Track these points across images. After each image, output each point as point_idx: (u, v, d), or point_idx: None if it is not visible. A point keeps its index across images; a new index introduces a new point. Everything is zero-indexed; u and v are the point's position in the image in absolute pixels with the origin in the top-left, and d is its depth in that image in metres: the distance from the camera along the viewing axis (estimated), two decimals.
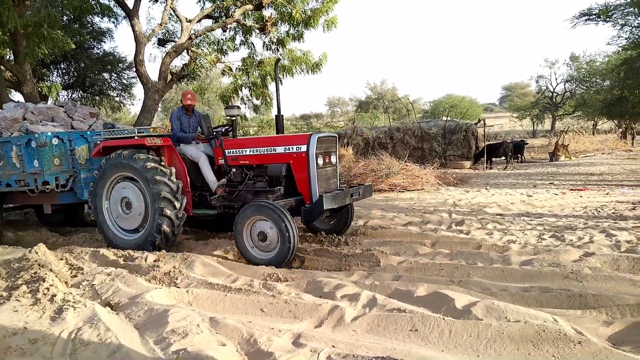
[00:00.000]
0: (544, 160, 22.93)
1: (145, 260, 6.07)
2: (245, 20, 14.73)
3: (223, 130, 7.22)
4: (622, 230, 6.69)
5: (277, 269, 5.56)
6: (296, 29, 14.72)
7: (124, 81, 19.94)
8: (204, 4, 15.36)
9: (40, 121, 8.61)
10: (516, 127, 45.38)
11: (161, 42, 15.70)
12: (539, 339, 3.29)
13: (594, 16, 15.34)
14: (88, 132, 8.28)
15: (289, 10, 14.04)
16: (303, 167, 6.29)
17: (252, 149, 6.73)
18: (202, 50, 15.60)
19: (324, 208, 5.96)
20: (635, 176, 14.84)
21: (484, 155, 19.73)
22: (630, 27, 15.45)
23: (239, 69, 15.65)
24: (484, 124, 20.47)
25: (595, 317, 3.78)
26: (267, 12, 14.87)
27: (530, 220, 7.92)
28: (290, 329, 3.74)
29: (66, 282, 5.33)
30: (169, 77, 14.25)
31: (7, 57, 13.08)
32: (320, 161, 6.34)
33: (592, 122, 35.35)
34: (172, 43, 15.19)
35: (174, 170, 6.85)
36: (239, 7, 14.16)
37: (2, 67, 12.64)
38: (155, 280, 5.33)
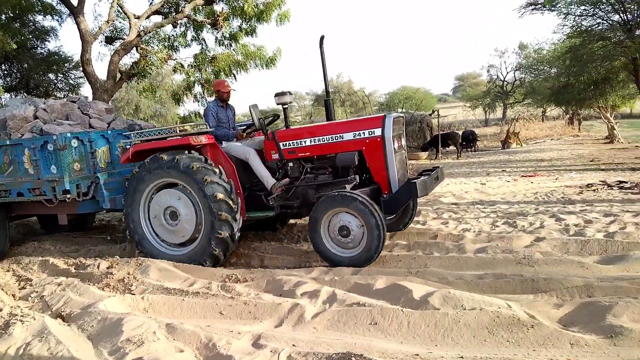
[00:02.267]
0: (496, 148, 23.63)
1: (98, 267, 5.86)
2: (196, 16, 14.41)
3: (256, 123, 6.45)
4: (570, 214, 6.94)
5: (235, 270, 5.49)
6: (249, 23, 14.52)
7: (71, 82, 19.16)
8: (152, 0, 14.95)
9: (54, 120, 7.59)
10: (469, 117, 46.55)
11: (109, 40, 15.17)
12: (494, 325, 3.38)
13: (539, 5, 15.85)
14: (109, 132, 7.35)
15: (241, 4, 13.83)
16: (379, 153, 5.66)
17: (313, 139, 5.97)
18: (152, 47, 15.16)
19: (419, 195, 5.40)
20: (582, 161, 15.49)
21: (432, 145, 20.15)
22: (574, 16, 16.05)
23: (191, 65, 15.32)
24: (438, 114, 20.89)
25: (547, 300, 3.90)
26: (219, 7, 14.58)
27: (484, 208, 8.12)
28: (250, 331, 3.70)
29: (13, 295, 5.10)
30: (118, 76, 13.79)
31: None
32: (396, 145, 5.74)
33: (542, 109, 36.60)
34: (120, 41, 14.70)
35: (222, 170, 6.00)
36: (189, 2, 13.84)
37: None
38: (108, 288, 5.17)
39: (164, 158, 5.95)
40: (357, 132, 5.76)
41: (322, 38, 6.20)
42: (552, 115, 38.85)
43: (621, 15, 14.87)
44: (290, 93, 6.22)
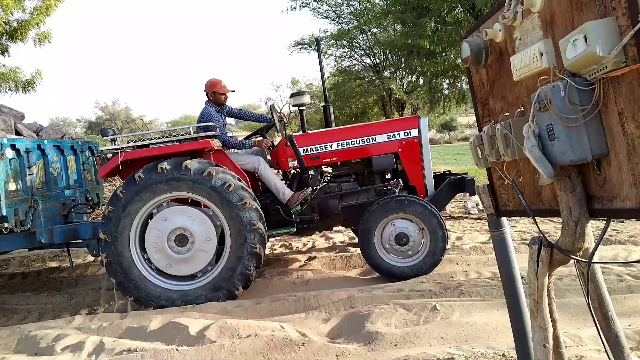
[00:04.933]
0: None
1: None
2: None
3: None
4: (337, 233, 7.63)
5: None
6: None
7: None
8: None
9: None
10: None
11: None
12: (268, 348, 3.44)
13: (306, 45, 17.40)
14: (45, 142, 5.53)
15: None
16: (416, 154, 5.32)
17: (340, 143, 5.39)
18: None
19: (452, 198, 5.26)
20: None
21: None
22: (335, 57, 18.10)
23: None
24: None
25: (317, 316, 4.16)
26: None
27: None
28: None
29: None
30: None
31: None
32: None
33: None
34: None
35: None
36: None
37: None
38: None
39: (165, 168, 4.71)
40: (392, 134, 5.38)
41: (317, 41, 6.10)
42: None
43: (371, 58, 17.33)
44: (307, 93, 5.65)
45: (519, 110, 1.86)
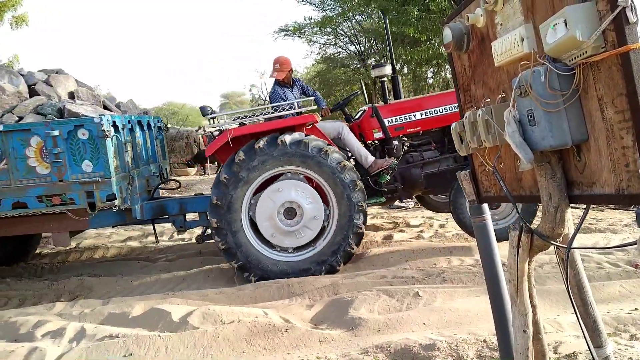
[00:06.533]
0: None
1: None
2: None
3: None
4: None
5: None
6: None
7: None
8: None
9: (61, 97, 5.37)
10: None
11: None
12: (251, 334, 3.45)
13: (290, 32, 17.26)
14: (145, 116, 5.82)
15: None
16: None
17: (423, 112, 5.45)
18: None
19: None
20: None
21: (199, 161, 20.14)
22: (319, 44, 17.98)
23: None
24: (204, 130, 20.91)
25: (300, 302, 4.17)
26: None
27: None
28: None
29: None
30: None
31: None
32: None
33: None
34: None
35: None
36: None
37: None
38: None
39: (305, 143, 4.84)
40: None
41: (384, 12, 6.51)
42: None
43: (356, 46, 17.25)
44: (388, 64, 5.67)
45: (500, 96, 1.86)
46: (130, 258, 6.25)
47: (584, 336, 1.90)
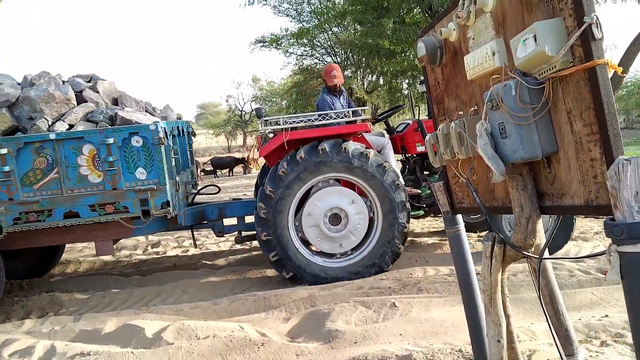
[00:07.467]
0: (238, 173, 24.64)
1: None
2: None
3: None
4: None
5: None
6: None
7: None
8: None
9: (107, 105, 5.25)
10: (212, 144, 47.69)
11: None
12: (227, 349, 3.38)
13: (267, 43, 17.30)
14: (181, 121, 5.88)
15: None
16: None
17: None
18: None
19: None
20: None
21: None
22: (296, 55, 18.06)
23: None
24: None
25: (277, 315, 4.13)
26: None
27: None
28: None
29: None
30: None
31: None
32: None
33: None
34: None
35: None
36: None
37: None
38: None
39: (352, 151, 4.88)
40: None
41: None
42: None
43: (333, 57, 17.37)
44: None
45: (472, 109, 1.89)
46: (103, 273, 6.10)
47: (556, 345, 1.93)
